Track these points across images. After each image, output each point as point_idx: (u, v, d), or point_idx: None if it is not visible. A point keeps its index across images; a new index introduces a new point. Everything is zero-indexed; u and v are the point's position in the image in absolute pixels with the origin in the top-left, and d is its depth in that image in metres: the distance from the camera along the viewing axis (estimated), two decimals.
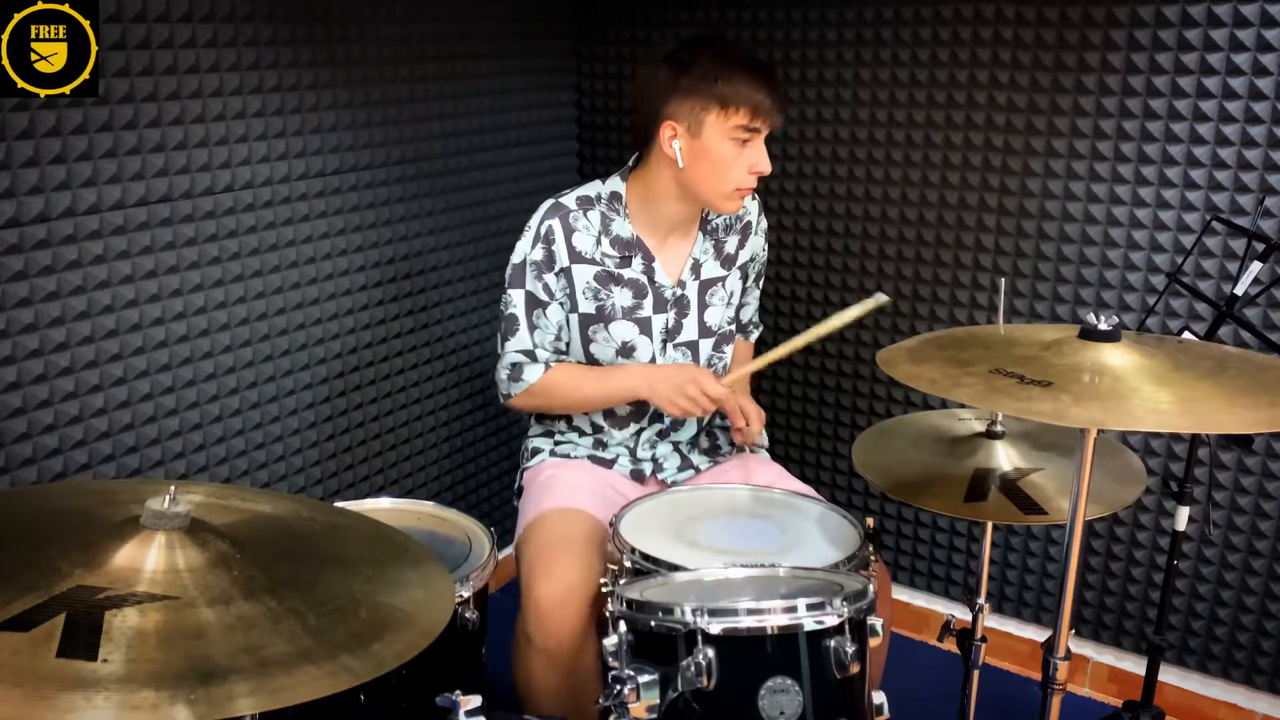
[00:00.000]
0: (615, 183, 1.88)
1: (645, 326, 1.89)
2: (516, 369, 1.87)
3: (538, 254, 1.84)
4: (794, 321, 2.59)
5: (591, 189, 1.88)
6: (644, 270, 1.87)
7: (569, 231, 1.83)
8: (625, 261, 1.86)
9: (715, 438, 2.03)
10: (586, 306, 1.86)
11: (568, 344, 1.90)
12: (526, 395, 1.88)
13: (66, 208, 1.69)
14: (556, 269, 1.84)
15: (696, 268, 1.91)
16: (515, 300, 1.86)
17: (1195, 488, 1.99)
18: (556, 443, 2.00)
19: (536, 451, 2.01)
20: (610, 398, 1.89)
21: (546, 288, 1.85)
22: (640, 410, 1.94)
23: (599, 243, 1.85)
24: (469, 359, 2.58)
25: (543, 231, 1.84)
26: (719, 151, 1.73)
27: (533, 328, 1.86)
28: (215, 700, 0.87)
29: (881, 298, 1.79)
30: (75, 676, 0.86)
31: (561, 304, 1.86)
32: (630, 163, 1.89)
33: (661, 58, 1.77)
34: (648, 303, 1.88)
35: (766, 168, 1.76)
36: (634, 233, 1.86)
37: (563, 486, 1.86)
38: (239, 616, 0.98)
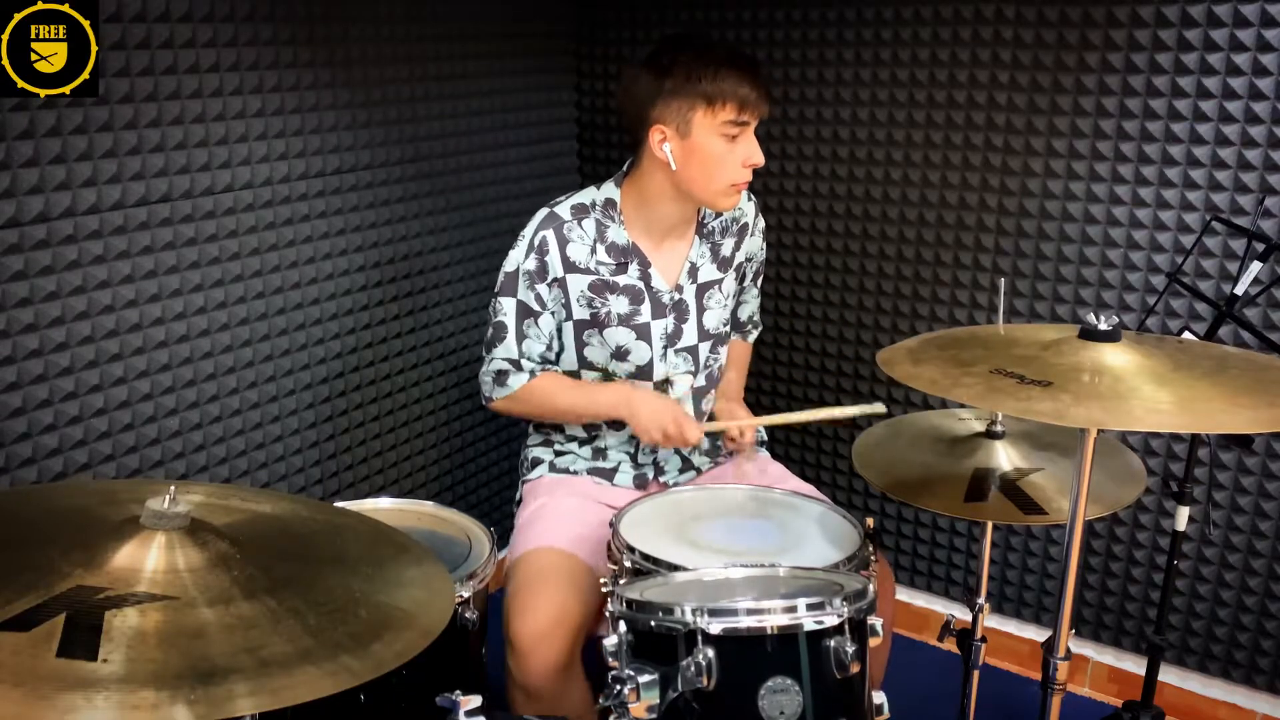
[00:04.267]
0: (610, 189, 1.87)
1: (644, 332, 1.88)
2: (502, 375, 1.87)
3: (531, 264, 1.83)
4: (794, 322, 2.59)
5: (586, 196, 1.87)
6: (640, 276, 1.87)
7: (563, 242, 1.83)
8: (621, 268, 1.86)
9: (715, 438, 2.03)
10: (581, 314, 1.86)
11: (558, 353, 1.90)
12: (509, 400, 1.88)
13: (66, 208, 1.68)
14: (550, 279, 1.83)
15: (694, 271, 1.91)
16: (505, 308, 1.85)
17: (1195, 488, 1.99)
18: (556, 453, 1.99)
19: (536, 463, 1.99)
20: (590, 414, 1.89)
21: (539, 298, 1.84)
22: None
23: (594, 251, 1.84)
24: (469, 359, 2.58)
25: (536, 242, 1.83)
26: (710, 149, 1.73)
27: (521, 337, 1.86)
28: (215, 700, 0.87)
29: (879, 407, 1.81)
30: (75, 676, 0.87)
31: (554, 313, 1.86)
32: (624, 168, 1.89)
33: (641, 63, 1.78)
34: (645, 308, 1.88)
35: (759, 159, 1.76)
36: (629, 239, 1.86)
37: (553, 520, 1.83)
38: (239, 616, 0.98)
